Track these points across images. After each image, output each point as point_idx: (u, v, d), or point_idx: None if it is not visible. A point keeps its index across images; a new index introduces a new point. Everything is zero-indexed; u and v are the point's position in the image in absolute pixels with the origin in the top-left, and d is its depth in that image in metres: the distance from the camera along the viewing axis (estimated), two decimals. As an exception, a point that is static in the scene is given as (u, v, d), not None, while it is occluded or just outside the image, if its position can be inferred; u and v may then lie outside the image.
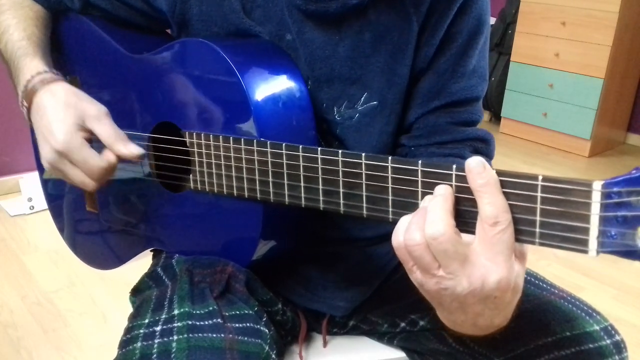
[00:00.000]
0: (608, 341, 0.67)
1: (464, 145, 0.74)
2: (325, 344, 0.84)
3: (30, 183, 2.32)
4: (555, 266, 2.10)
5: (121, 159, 0.69)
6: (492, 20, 3.59)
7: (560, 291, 0.73)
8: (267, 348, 0.64)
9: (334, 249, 0.79)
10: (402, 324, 0.81)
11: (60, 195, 0.93)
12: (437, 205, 0.47)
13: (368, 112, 0.72)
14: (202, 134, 0.67)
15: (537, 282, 0.75)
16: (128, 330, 0.64)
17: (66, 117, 0.68)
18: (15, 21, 0.78)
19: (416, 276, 0.49)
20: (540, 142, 3.38)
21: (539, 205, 0.45)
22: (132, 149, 0.68)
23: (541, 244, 0.46)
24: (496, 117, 3.60)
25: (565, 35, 3.14)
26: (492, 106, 3.59)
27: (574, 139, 3.23)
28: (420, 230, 0.47)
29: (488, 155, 0.76)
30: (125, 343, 0.62)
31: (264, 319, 0.68)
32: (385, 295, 0.83)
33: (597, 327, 0.68)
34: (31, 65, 0.73)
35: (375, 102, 0.72)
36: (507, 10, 3.51)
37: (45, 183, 0.95)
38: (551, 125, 3.30)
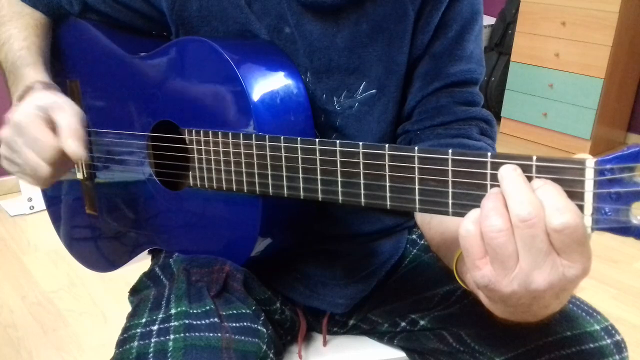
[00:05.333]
0: (608, 341, 0.67)
1: (470, 125, 0.74)
2: (325, 342, 0.84)
3: (30, 183, 2.32)
4: (555, 266, 2.10)
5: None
6: (492, 20, 3.59)
7: (560, 291, 0.73)
8: (264, 347, 0.64)
9: (333, 246, 0.79)
10: (403, 324, 0.81)
11: (59, 198, 0.93)
12: (519, 186, 0.43)
13: (367, 100, 0.73)
14: (202, 131, 0.67)
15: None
16: (125, 330, 0.64)
17: (34, 100, 0.69)
18: (16, 31, 0.78)
19: (484, 273, 0.45)
20: (540, 142, 3.38)
21: None
22: (76, 148, 0.65)
23: None
24: (496, 117, 3.59)
25: (565, 35, 3.13)
26: (492, 106, 3.59)
27: (574, 139, 3.22)
28: (502, 215, 0.43)
29: (492, 138, 0.76)
30: (122, 342, 0.62)
31: (262, 318, 0.68)
32: (385, 294, 0.83)
33: (597, 327, 0.68)
34: (32, 74, 0.74)
35: (374, 91, 0.73)
36: (507, 10, 3.51)
37: None
38: (551, 125, 3.29)
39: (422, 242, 0.86)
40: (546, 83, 3.26)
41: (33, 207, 2.33)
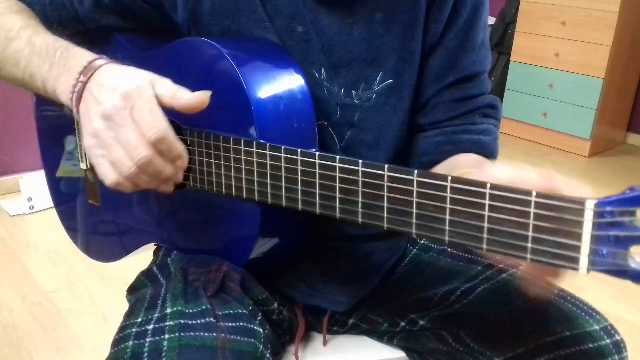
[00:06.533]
0: (608, 341, 0.67)
1: (475, 114, 0.78)
2: (325, 342, 0.84)
3: (30, 183, 2.32)
4: (555, 266, 2.10)
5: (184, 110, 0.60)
6: (492, 20, 3.59)
7: (560, 291, 0.73)
8: (261, 347, 0.64)
9: (335, 246, 0.79)
10: (402, 324, 0.81)
11: (66, 193, 0.93)
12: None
13: (384, 91, 0.74)
14: (203, 133, 0.67)
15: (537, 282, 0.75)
16: (121, 329, 0.64)
17: (140, 72, 0.61)
18: (35, 22, 0.70)
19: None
20: (540, 142, 3.38)
21: (531, 222, 0.45)
22: (196, 95, 0.59)
23: (532, 260, 0.45)
24: (496, 117, 3.60)
25: (565, 35, 3.14)
26: (492, 106, 3.59)
27: (574, 139, 3.23)
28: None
29: (497, 119, 0.80)
30: (117, 342, 0.62)
31: (259, 319, 0.68)
32: (385, 294, 0.83)
33: (597, 327, 0.68)
34: (88, 53, 0.63)
35: (390, 81, 0.74)
36: (507, 10, 3.51)
37: (56, 181, 0.95)
38: (551, 125, 3.30)
39: (423, 241, 0.86)
40: (546, 83, 3.26)
41: (33, 207, 2.33)
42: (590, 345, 0.66)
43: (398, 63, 0.73)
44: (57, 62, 0.63)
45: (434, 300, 0.78)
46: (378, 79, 0.73)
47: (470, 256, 0.80)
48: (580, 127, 3.17)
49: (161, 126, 0.56)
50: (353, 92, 0.73)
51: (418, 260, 0.84)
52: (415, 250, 0.86)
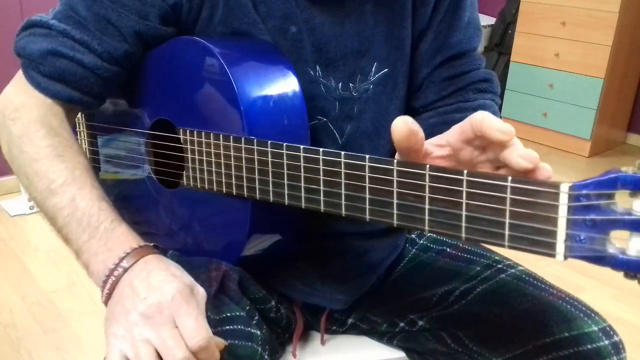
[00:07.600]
0: (606, 342, 0.67)
1: (467, 90, 0.79)
2: (322, 340, 0.84)
3: (30, 183, 2.32)
4: (555, 266, 2.10)
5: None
6: (492, 20, 3.59)
7: (558, 291, 0.73)
8: (259, 350, 0.64)
9: (331, 243, 0.79)
10: (401, 324, 0.81)
11: None
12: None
13: (380, 81, 0.75)
14: (195, 131, 0.68)
15: (535, 282, 0.75)
16: None
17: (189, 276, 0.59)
18: (79, 172, 0.64)
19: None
20: (540, 142, 3.37)
21: (508, 207, 0.44)
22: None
23: (510, 247, 0.45)
24: (496, 117, 3.59)
25: (565, 35, 3.13)
26: (492, 106, 3.59)
27: (574, 139, 3.22)
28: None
29: (493, 92, 0.80)
30: None
31: (256, 319, 0.68)
32: (384, 294, 0.83)
33: (595, 328, 0.68)
34: (133, 236, 0.62)
35: (386, 70, 0.75)
36: (507, 10, 3.51)
37: None
38: (551, 125, 3.29)
39: (422, 241, 0.87)
40: (546, 83, 3.25)
41: (33, 207, 2.33)
42: (589, 346, 0.66)
43: (390, 51, 0.75)
44: (97, 237, 0.60)
45: (433, 301, 0.78)
46: (373, 69, 0.74)
47: (469, 256, 0.81)
48: (580, 127, 3.17)
49: (205, 334, 0.53)
50: (350, 84, 0.73)
51: (417, 260, 0.84)
52: (414, 250, 0.86)
